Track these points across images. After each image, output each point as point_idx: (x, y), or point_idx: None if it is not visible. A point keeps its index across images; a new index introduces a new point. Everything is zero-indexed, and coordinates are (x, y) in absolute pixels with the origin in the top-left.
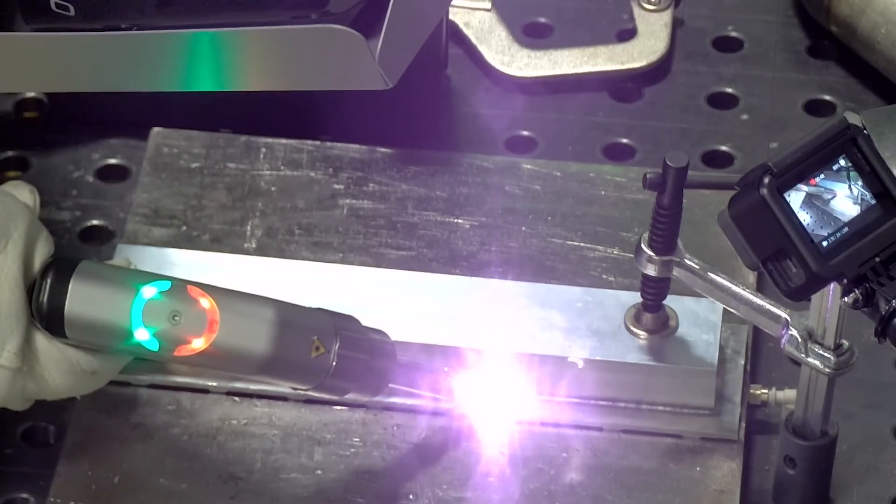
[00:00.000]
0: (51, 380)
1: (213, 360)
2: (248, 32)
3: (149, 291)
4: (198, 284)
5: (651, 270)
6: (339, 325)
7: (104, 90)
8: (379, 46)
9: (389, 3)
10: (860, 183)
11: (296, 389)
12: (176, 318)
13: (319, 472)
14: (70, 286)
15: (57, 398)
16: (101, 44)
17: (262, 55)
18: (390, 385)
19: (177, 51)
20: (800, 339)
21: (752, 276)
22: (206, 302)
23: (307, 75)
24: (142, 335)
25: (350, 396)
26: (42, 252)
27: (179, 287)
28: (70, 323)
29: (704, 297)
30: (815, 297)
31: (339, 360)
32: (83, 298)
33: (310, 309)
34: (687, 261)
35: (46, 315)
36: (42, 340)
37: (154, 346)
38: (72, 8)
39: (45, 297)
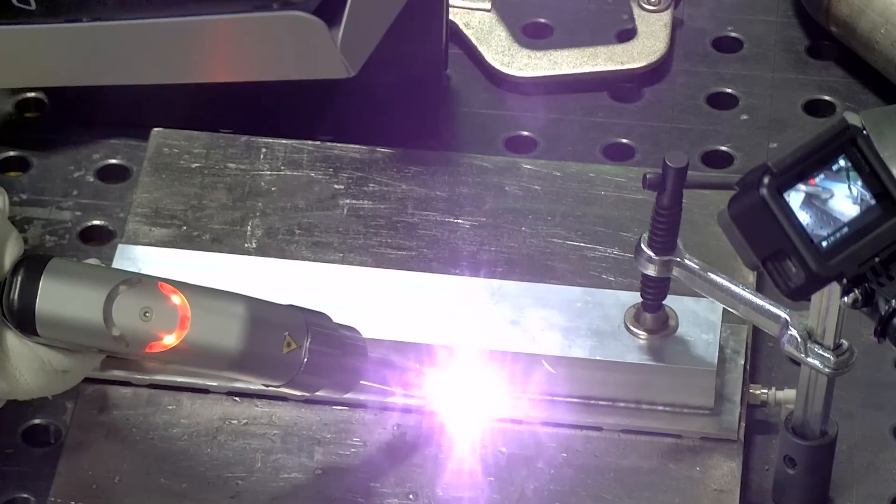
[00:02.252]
0: (22, 379)
1: (184, 357)
2: (210, 21)
3: (120, 288)
4: (168, 281)
5: (651, 270)
6: (311, 322)
7: (67, 84)
8: (340, 34)
9: None
10: (860, 183)
11: (267, 386)
12: (147, 314)
13: (319, 472)
14: (41, 284)
15: (28, 398)
16: (62, 36)
17: (224, 44)
18: (362, 382)
19: (138, 42)
20: (799, 339)
21: (751, 276)
22: (177, 298)
23: (270, 64)
24: (113, 332)
25: (321, 393)
26: (12, 251)
27: (150, 284)
28: (41, 321)
29: (704, 297)
30: (814, 297)
31: (310, 355)
32: (54, 296)
33: (281, 305)
34: (687, 261)
35: (17, 313)
36: (13, 339)
37: (125, 343)
38: (32, 2)
39: (15, 296)
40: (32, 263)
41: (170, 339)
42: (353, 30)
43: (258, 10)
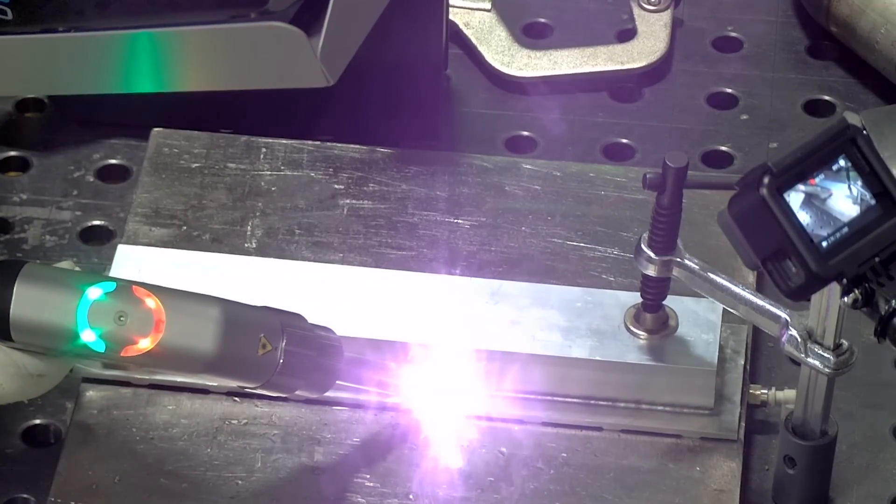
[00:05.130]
0: None
1: (160, 360)
2: (187, 32)
3: (94, 293)
4: (143, 284)
5: (651, 270)
6: (286, 323)
7: (46, 94)
8: (321, 43)
9: (330, 0)
10: (860, 183)
11: (243, 388)
12: (122, 318)
13: (319, 472)
14: (15, 289)
15: (4, 403)
16: (40, 46)
17: (202, 54)
18: (339, 382)
19: (117, 52)
20: (799, 339)
21: (751, 276)
22: (151, 302)
23: (249, 74)
24: (88, 336)
25: (298, 394)
26: None
27: (125, 288)
28: (16, 326)
29: (704, 297)
30: (814, 297)
31: (286, 356)
32: (28, 301)
33: (256, 307)
34: (687, 261)
35: None
36: None
37: (100, 348)
38: (9, 12)
39: None
40: (6, 268)
41: (145, 343)
42: (333, 39)
43: (236, 21)
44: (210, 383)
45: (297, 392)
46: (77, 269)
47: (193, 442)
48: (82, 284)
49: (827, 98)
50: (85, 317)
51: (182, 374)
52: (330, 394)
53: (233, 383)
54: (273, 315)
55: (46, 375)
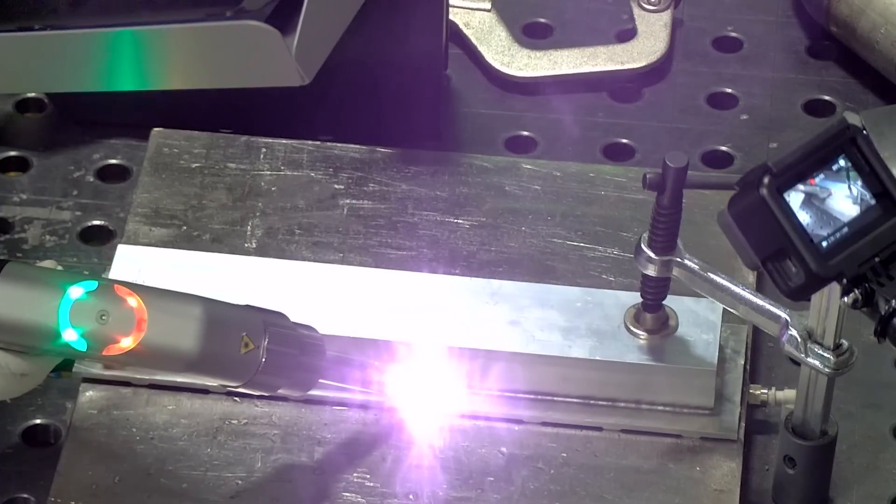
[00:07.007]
0: None
1: (142, 359)
2: (162, 31)
3: (76, 291)
4: (125, 283)
5: (651, 270)
6: (268, 321)
7: (22, 91)
8: (295, 42)
9: None
10: (860, 183)
11: (225, 387)
12: (104, 317)
13: (319, 472)
14: None
15: None
16: (15, 44)
17: (177, 53)
18: (322, 381)
19: (92, 50)
20: (799, 339)
21: (751, 276)
22: (133, 301)
23: (224, 72)
24: (70, 335)
25: (281, 392)
26: None
27: (106, 286)
28: None
29: (704, 297)
30: (814, 297)
31: (268, 355)
32: (10, 300)
33: (238, 305)
34: (687, 261)
35: None
36: None
37: (82, 347)
38: None
39: None
40: None
41: (127, 342)
42: (308, 37)
43: (211, 20)
44: (193, 382)
45: (279, 391)
46: (59, 268)
47: (193, 442)
48: (64, 283)
49: (827, 98)
50: (66, 316)
51: (165, 373)
52: (328, 394)
53: (215, 382)
54: (255, 314)
55: (29, 374)
